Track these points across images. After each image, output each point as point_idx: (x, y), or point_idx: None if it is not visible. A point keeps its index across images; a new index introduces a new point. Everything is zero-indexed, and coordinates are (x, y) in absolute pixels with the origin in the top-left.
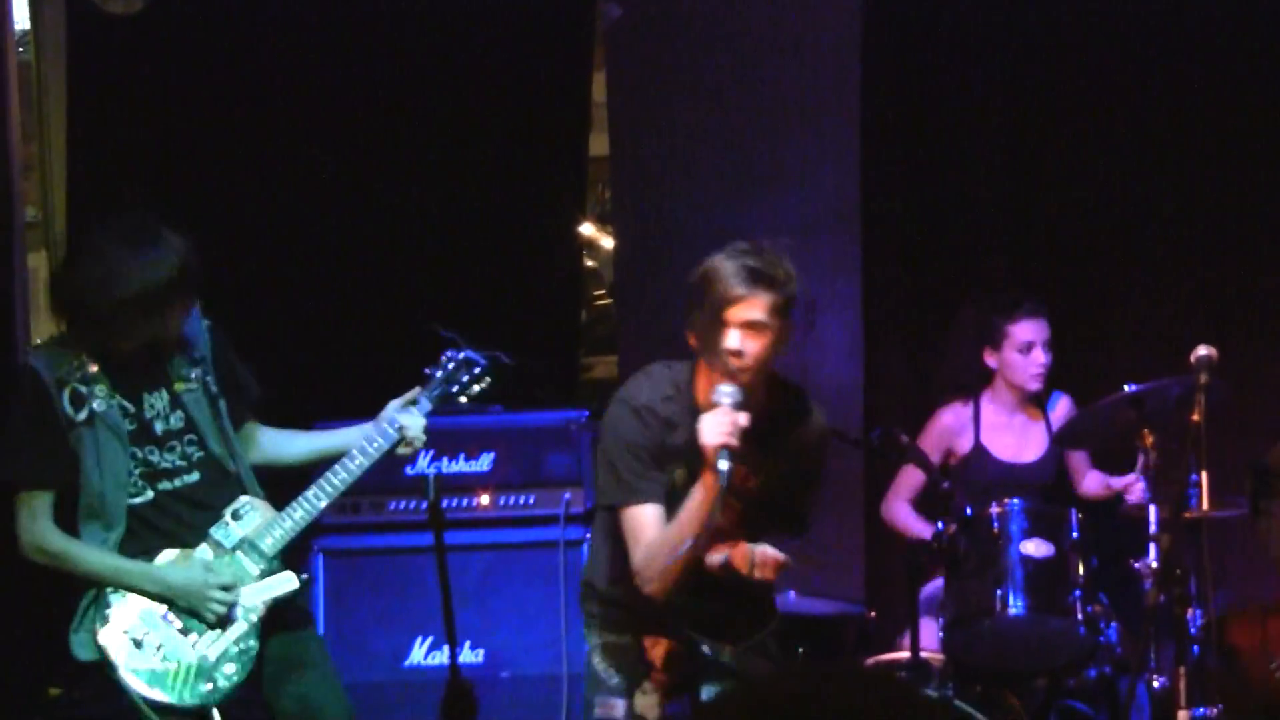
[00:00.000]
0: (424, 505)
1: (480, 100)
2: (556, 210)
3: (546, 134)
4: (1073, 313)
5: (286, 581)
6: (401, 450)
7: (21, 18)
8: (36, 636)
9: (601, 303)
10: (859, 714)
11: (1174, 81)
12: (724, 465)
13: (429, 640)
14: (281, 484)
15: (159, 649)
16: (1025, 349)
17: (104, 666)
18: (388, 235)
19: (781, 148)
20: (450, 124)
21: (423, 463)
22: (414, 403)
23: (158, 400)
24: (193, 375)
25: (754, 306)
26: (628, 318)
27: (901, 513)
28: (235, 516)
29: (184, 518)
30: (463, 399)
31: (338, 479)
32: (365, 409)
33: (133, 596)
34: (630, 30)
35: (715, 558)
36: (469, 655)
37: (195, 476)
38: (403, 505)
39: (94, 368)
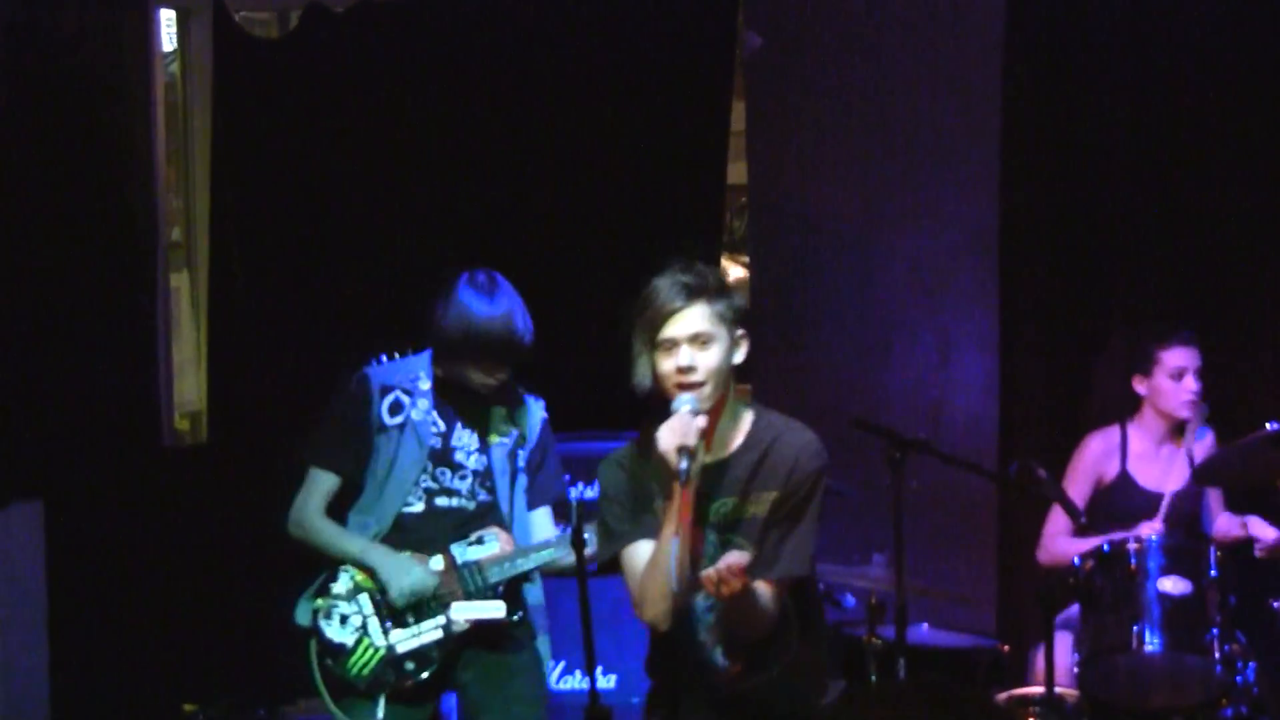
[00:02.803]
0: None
1: (620, 128)
2: (693, 239)
3: (685, 163)
4: (1215, 348)
5: (494, 609)
6: None
7: (167, 39)
8: (173, 654)
9: None
10: None
11: None
12: (683, 464)
13: (561, 665)
14: None
15: (359, 629)
16: (1177, 375)
17: (312, 633)
18: (523, 261)
19: (919, 179)
20: (589, 150)
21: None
22: None
23: (467, 437)
24: (510, 436)
25: (694, 318)
26: (762, 346)
27: (1062, 544)
28: (479, 541)
29: (440, 534)
30: None
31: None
32: None
33: (356, 579)
34: (770, 60)
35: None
36: (601, 680)
37: (471, 507)
38: None
39: (426, 385)
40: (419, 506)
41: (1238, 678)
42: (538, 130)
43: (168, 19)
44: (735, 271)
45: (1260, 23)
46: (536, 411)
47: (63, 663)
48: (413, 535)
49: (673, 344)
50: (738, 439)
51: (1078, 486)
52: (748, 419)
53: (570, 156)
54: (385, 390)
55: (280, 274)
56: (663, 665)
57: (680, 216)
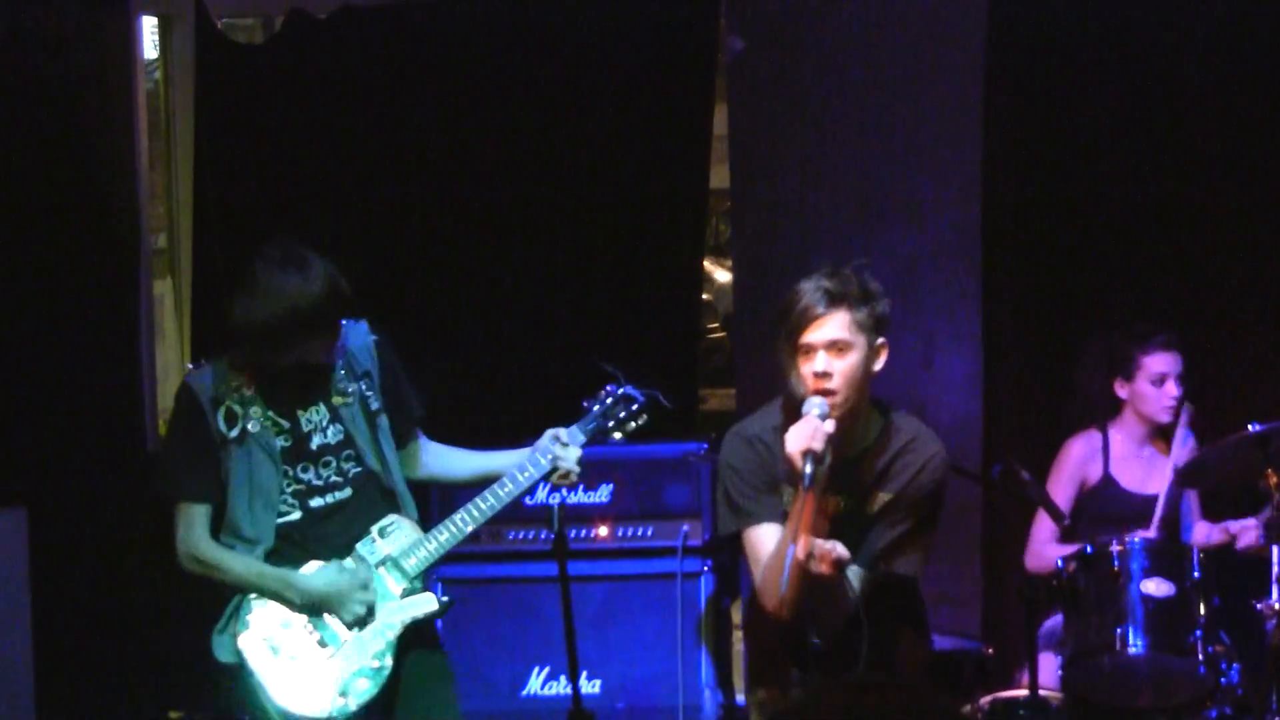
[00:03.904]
0: (543, 535)
1: (603, 132)
2: (676, 242)
3: (668, 166)
4: (1197, 348)
5: (426, 602)
6: (558, 481)
7: (150, 46)
8: (158, 661)
9: (714, 335)
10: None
11: None
12: (808, 468)
13: (546, 670)
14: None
15: (295, 658)
16: (1159, 381)
17: (241, 670)
18: (506, 266)
19: (901, 180)
20: (572, 155)
21: (542, 493)
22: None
23: (315, 414)
24: (351, 390)
25: (834, 325)
26: (745, 350)
27: (1051, 550)
28: (382, 534)
29: (332, 534)
30: (617, 434)
31: (486, 505)
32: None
33: (274, 604)
34: (752, 63)
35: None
36: (586, 686)
37: (348, 493)
38: (521, 535)
39: (250, 390)
40: (296, 514)
41: (1222, 679)
42: (521, 135)
43: (150, 26)
44: (720, 275)
45: (1239, 25)
46: (364, 339)
47: (47, 670)
48: (304, 542)
49: (810, 349)
50: (869, 441)
51: (1062, 489)
52: (882, 422)
53: (553, 161)
54: (216, 402)
55: None
56: (770, 649)
57: (664, 221)
